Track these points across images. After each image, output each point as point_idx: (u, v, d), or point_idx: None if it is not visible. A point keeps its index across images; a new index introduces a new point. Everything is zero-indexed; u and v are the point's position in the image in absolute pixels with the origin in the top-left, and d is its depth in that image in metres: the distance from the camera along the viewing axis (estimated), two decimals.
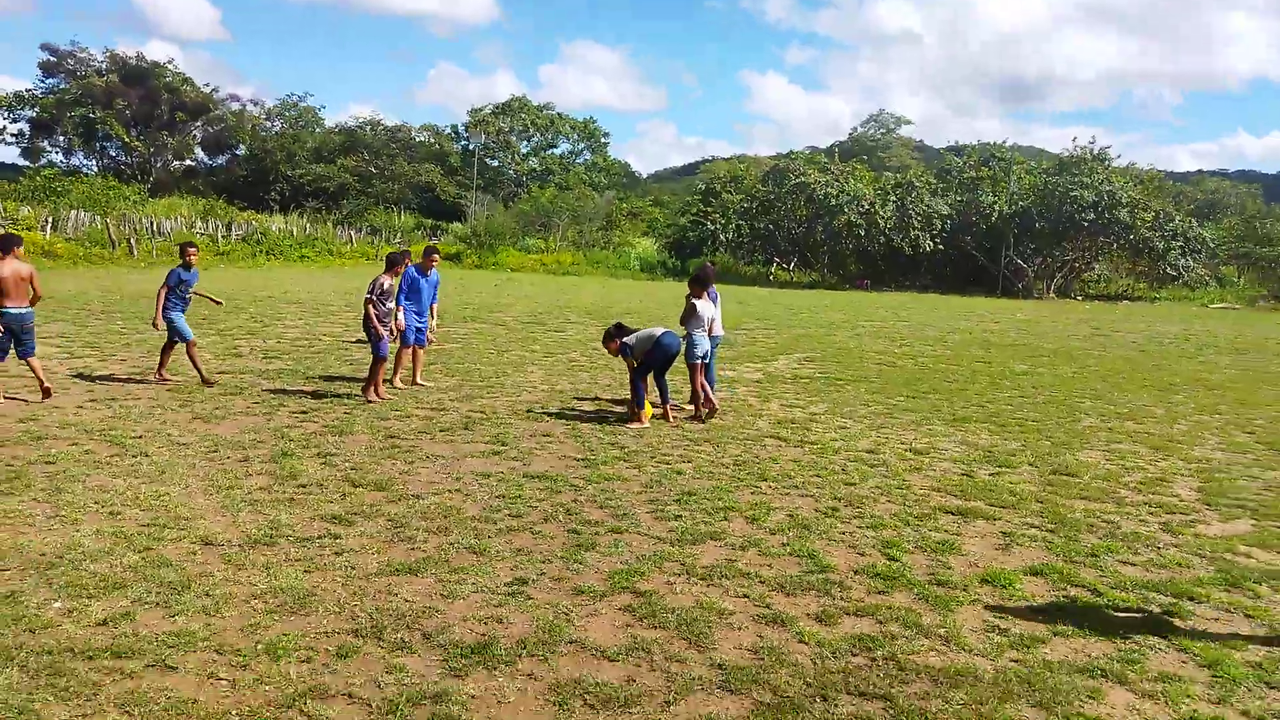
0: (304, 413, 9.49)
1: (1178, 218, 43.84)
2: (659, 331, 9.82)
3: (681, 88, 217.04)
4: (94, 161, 63.95)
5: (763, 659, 4.38)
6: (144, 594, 4.78)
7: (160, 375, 10.89)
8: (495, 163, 72.72)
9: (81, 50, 64.07)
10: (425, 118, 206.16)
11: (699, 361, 9.94)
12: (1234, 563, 6.05)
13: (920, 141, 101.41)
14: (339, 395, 10.49)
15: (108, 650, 4.15)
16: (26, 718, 3.60)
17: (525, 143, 75.10)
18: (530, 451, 8.28)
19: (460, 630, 4.54)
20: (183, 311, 10.87)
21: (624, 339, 9.82)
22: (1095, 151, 46.13)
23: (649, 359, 9.68)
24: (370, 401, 10.00)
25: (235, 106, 69.29)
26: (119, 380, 10.89)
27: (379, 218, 54.12)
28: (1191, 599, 5.37)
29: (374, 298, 10.08)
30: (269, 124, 70.47)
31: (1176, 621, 5.04)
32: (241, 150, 67.65)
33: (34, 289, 9.65)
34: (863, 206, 44.52)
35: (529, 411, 10.12)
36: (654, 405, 9.92)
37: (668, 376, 10.02)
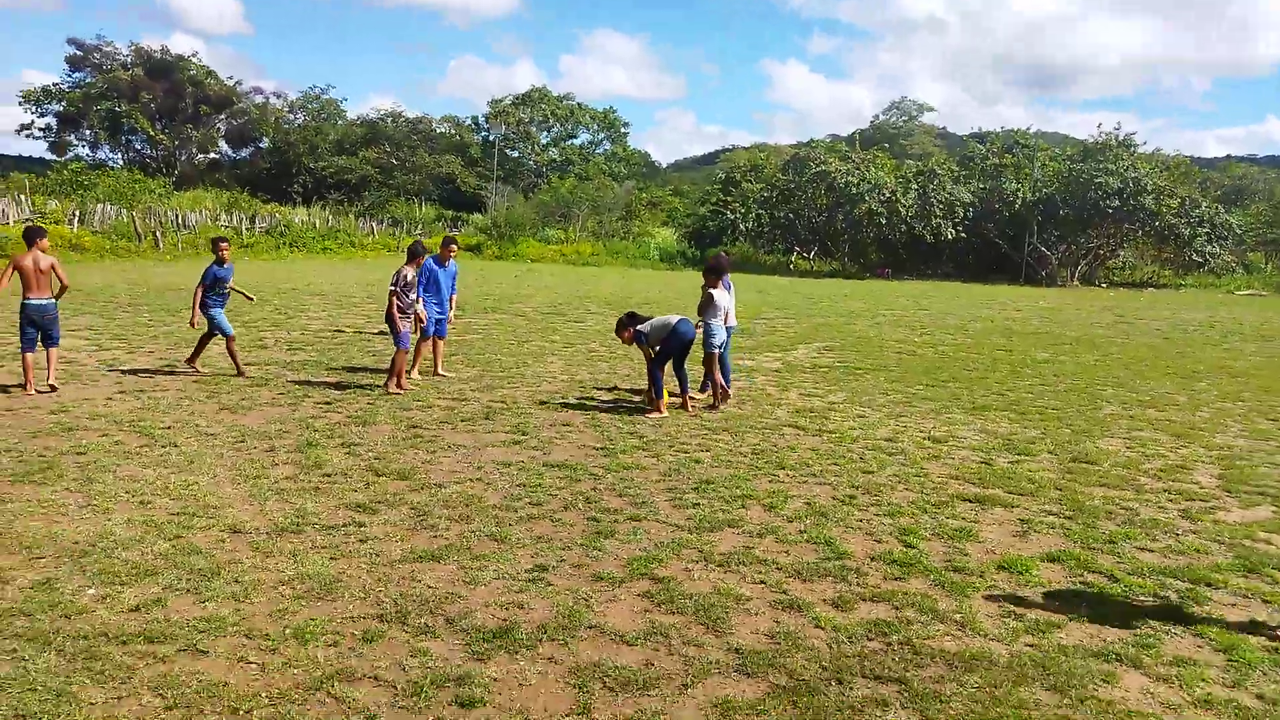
0: (328, 403, 9.63)
1: (1204, 204, 43.25)
2: (675, 319, 9.85)
3: (701, 76, 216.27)
4: (120, 155, 64.80)
5: (779, 643, 4.45)
6: (175, 581, 4.91)
7: (192, 365, 11.08)
8: (515, 153, 72.94)
9: (107, 44, 64.99)
10: (446, 109, 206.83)
11: (716, 351, 9.98)
12: (1253, 549, 6.04)
13: (943, 129, 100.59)
14: (362, 386, 10.63)
15: (141, 635, 4.28)
16: (64, 700, 3.72)
17: (545, 133, 75.24)
18: (550, 441, 8.37)
19: (482, 615, 4.64)
20: (221, 307, 11.01)
21: (638, 326, 9.82)
22: (1120, 138, 45.53)
23: (666, 347, 9.72)
24: (392, 393, 10.12)
25: (258, 99, 70.00)
26: (148, 372, 11.08)
27: (400, 209, 54.46)
28: (1209, 585, 5.38)
29: (398, 289, 10.19)
30: (292, 117, 71.06)
31: (1193, 607, 5.05)
32: (265, 143, 68.29)
33: (60, 280, 9.85)
34: (884, 195, 44.23)
35: (549, 401, 10.22)
36: (672, 395, 9.98)
37: (686, 366, 10.06)
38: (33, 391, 9.51)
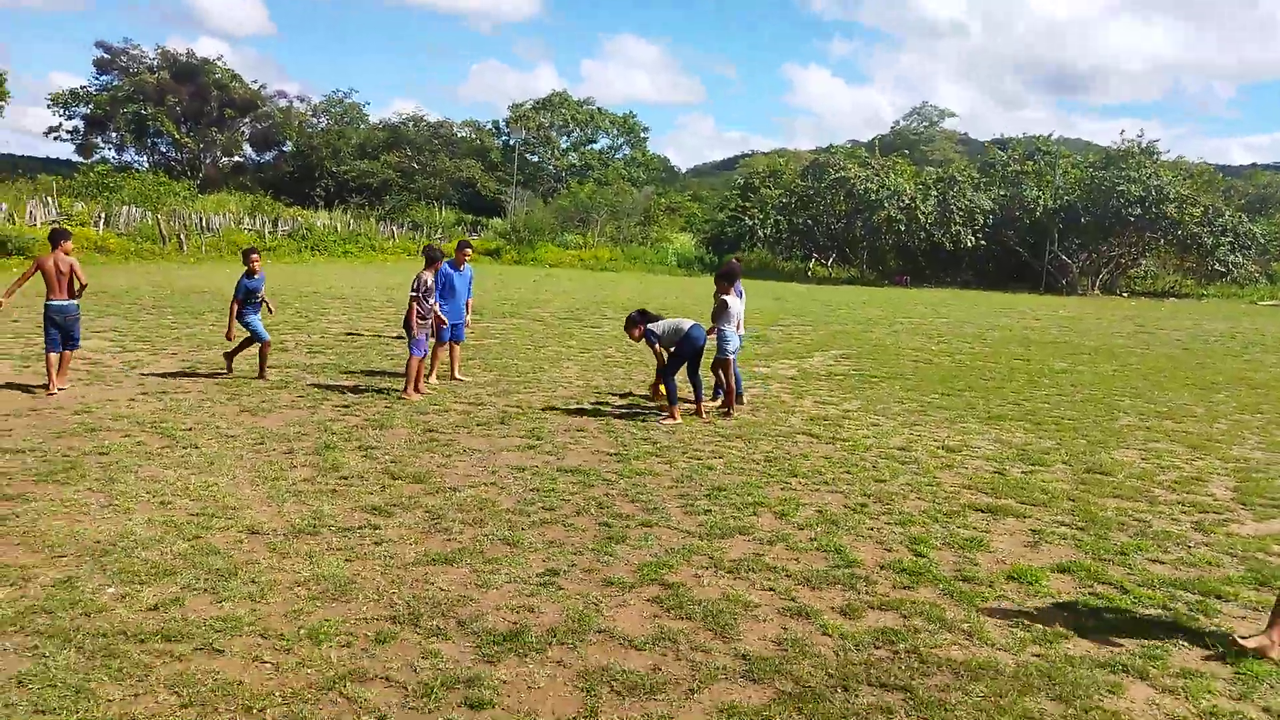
0: (346, 406, 9.75)
1: (1227, 213, 42.85)
2: (687, 325, 9.86)
3: (722, 80, 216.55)
4: (145, 158, 65.59)
5: (786, 650, 4.48)
6: (193, 580, 5.01)
7: (229, 363, 11.27)
8: (535, 158, 73.23)
9: (134, 47, 65.82)
10: (467, 113, 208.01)
11: (730, 357, 10.02)
12: (1265, 562, 6.01)
13: (965, 134, 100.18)
14: (380, 390, 10.74)
15: (158, 634, 4.37)
16: (83, 696, 3.81)
17: (565, 138, 75.50)
18: (564, 446, 8.44)
19: (493, 618, 4.70)
20: (257, 314, 11.14)
21: (649, 326, 9.80)
22: (1143, 145, 45.20)
23: (679, 352, 9.75)
24: (409, 398, 10.21)
25: (282, 103, 70.67)
26: (172, 375, 11.24)
27: (421, 213, 54.78)
28: (1219, 597, 5.37)
29: (418, 295, 10.28)
30: (315, 120, 71.66)
31: (1202, 619, 5.04)
32: (288, 147, 68.87)
33: (78, 279, 10.02)
34: (903, 201, 44.11)
35: (563, 407, 10.29)
36: (686, 401, 10.02)
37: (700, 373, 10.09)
38: (54, 391, 9.69)
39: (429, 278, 10.42)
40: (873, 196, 44.67)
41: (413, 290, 10.31)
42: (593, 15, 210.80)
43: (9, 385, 10.11)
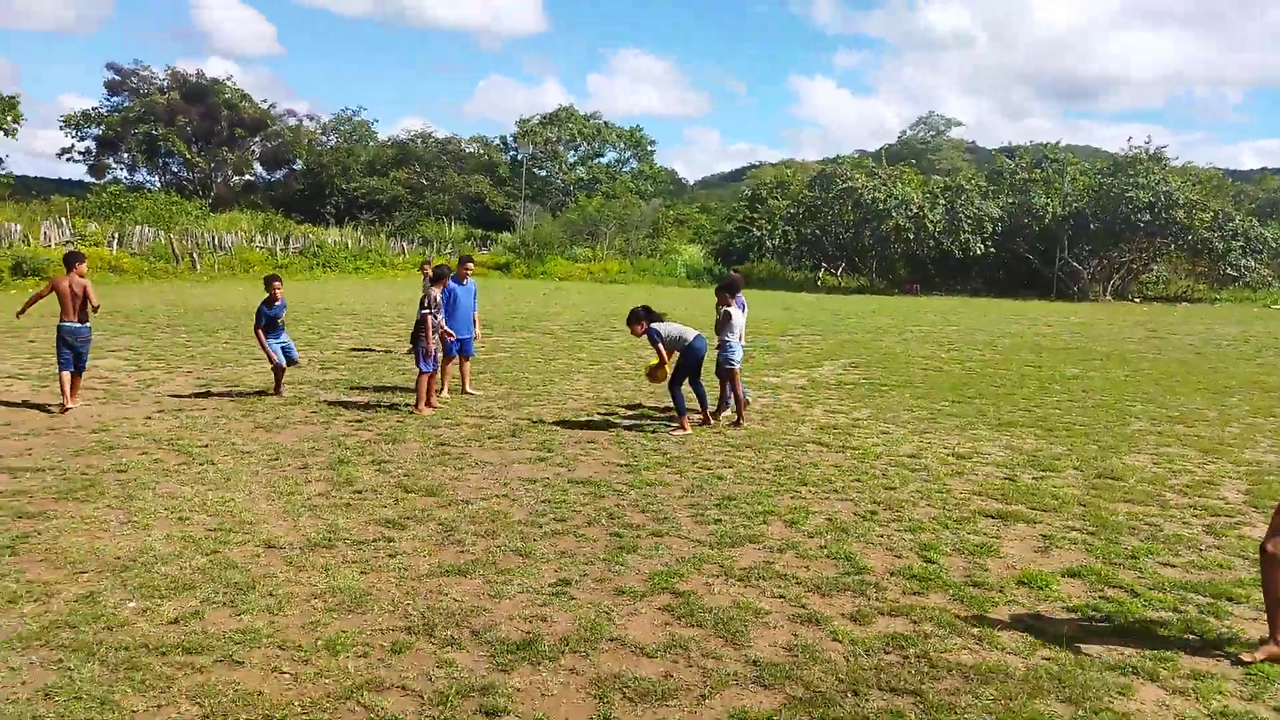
0: (359, 422, 9.84)
1: (1238, 217, 42.68)
2: (690, 335, 9.90)
3: (728, 93, 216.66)
4: (157, 178, 66.18)
5: (796, 656, 4.53)
6: (212, 594, 5.09)
7: (279, 389, 11.22)
8: (543, 172, 73.61)
9: (144, 69, 66.49)
10: (475, 129, 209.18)
11: (735, 368, 10.08)
12: None
13: (972, 143, 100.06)
14: (392, 405, 10.84)
15: (179, 646, 4.45)
16: (108, 707, 3.89)
17: (572, 152, 75.88)
18: (575, 458, 8.51)
19: (507, 628, 4.76)
20: (279, 337, 11.08)
21: (653, 324, 9.80)
22: (1151, 151, 45.14)
23: (682, 362, 9.80)
24: (420, 414, 10.28)
25: (292, 122, 71.27)
26: (193, 396, 11.37)
27: (430, 229, 55.13)
28: (1230, 599, 5.38)
29: (432, 311, 10.37)
30: (324, 138, 72.25)
31: (1213, 621, 5.06)
32: (298, 165, 69.42)
33: (91, 301, 10.17)
34: (911, 210, 44.14)
35: (574, 419, 10.36)
36: (694, 411, 10.07)
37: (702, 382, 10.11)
38: (70, 406, 9.83)
39: (437, 293, 10.53)
40: (880, 206, 44.72)
41: (424, 308, 10.39)
42: (598, 30, 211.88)
43: (27, 404, 10.26)
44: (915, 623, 4.97)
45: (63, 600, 4.95)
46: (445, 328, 10.68)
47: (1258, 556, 5.95)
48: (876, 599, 5.31)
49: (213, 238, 38.73)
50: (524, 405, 11.10)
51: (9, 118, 40.69)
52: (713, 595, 5.29)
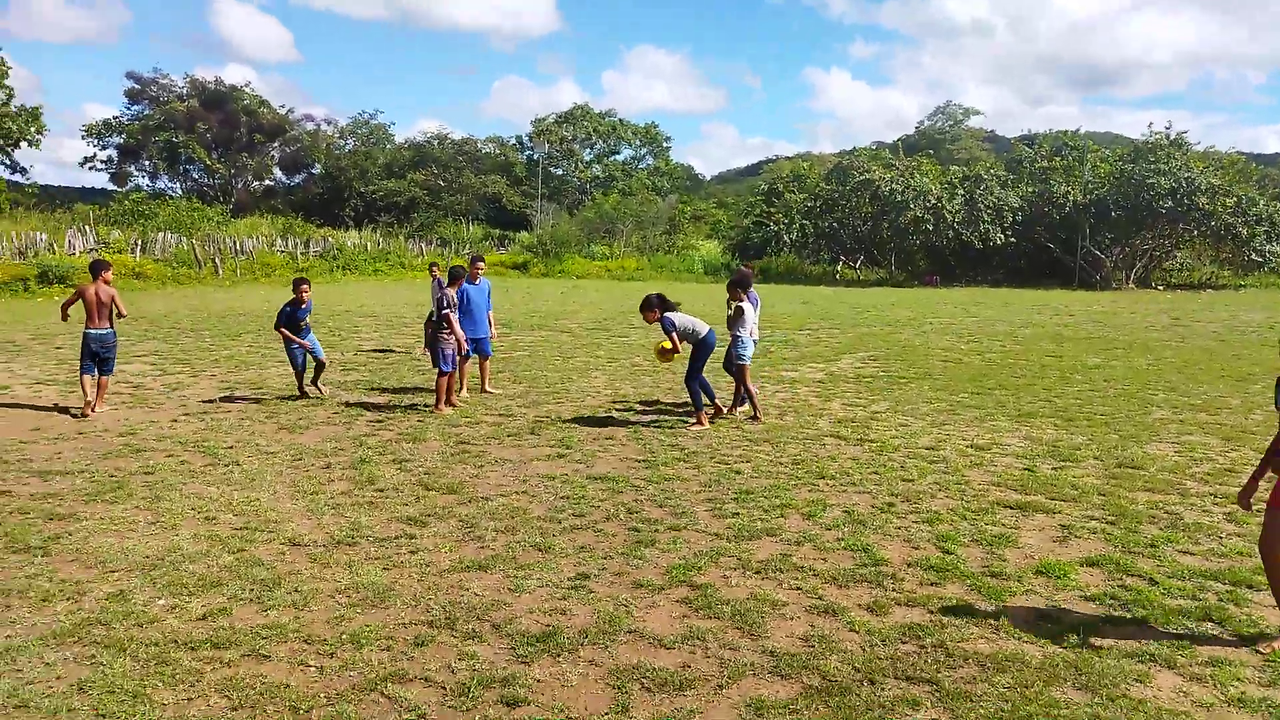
0: (380, 422, 9.96)
1: (1261, 202, 42.10)
2: (704, 329, 9.91)
3: (744, 88, 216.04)
4: (178, 184, 66.97)
5: (813, 646, 4.57)
6: (239, 591, 5.20)
7: (316, 386, 11.34)
8: (559, 171, 73.79)
9: (164, 77, 67.29)
10: (491, 129, 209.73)
11: (748, 363, 10.11)
12: None
13: (991, 132, 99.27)
14: (412, 405, 10.96)
15: (208, 641, 4.55)
16: (139, 701, 4.00)
17: (588, 150, 76.01)
18: (593, 454, 8.58)
19: (526, 621, 4.83)
20: (304, 338, 11.07)
21: (667, 313, 9.80)
22: (1171, 137, 44.62)
23: (696, 355, 9.80)
24: (440, 413, 10.37)
25: (310, 127, 71.88)
26: (219, 400, 11.54)
27: (448, 230, 55.40)
28: (1250, 586, 5.36)
29: (450, 311, 10.45)
30: (342, 142, 72.82)
31: (1232, 609, 5.05)
32: (317, 169, 69.99)
33: (118, 308, 10.36)
34: (929, 201, 43.90)
35: (592, 416, 10.43)
36: (705, 406, 10.10)
37: (708, 376, 10.10)
38: (91, 412, 10.03)
39: (453, 294, 10.61)
40: (898, 197, 44.51)
41: (445, 307, 10.47)
42: (612, 28, 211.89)
43: (55, 408, 10.46)
44: (932, 613, 5.00)
45: (94, 598, 5.07)
46: (454, 319, 10.62)
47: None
48: (894, 590, 5.34)
49: (234, 243, 39.14)
50: (542, 403, 11.19)
51: (32, 128, 41.33)
52: (730, 587, 5.34)
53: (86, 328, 10.23)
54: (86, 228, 36.55)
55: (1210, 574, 5.59)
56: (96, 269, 10.52)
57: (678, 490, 7.37)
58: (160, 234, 37.20)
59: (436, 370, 10.53)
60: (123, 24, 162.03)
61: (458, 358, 10.72)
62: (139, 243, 35.55)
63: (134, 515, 6.57)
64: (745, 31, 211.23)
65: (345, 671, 4.27)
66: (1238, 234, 41.37)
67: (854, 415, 10.64)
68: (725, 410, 10.28)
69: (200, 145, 64.07)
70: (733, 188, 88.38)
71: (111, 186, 64.89)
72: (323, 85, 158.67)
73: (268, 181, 71.23)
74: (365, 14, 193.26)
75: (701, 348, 9.84)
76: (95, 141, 66.46)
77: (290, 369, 11.38)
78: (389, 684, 4.15)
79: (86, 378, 10.18)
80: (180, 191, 63.05)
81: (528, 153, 74.81)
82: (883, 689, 4.15)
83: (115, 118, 67.23)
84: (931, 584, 5.45)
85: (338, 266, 40.85)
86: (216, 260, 35.54)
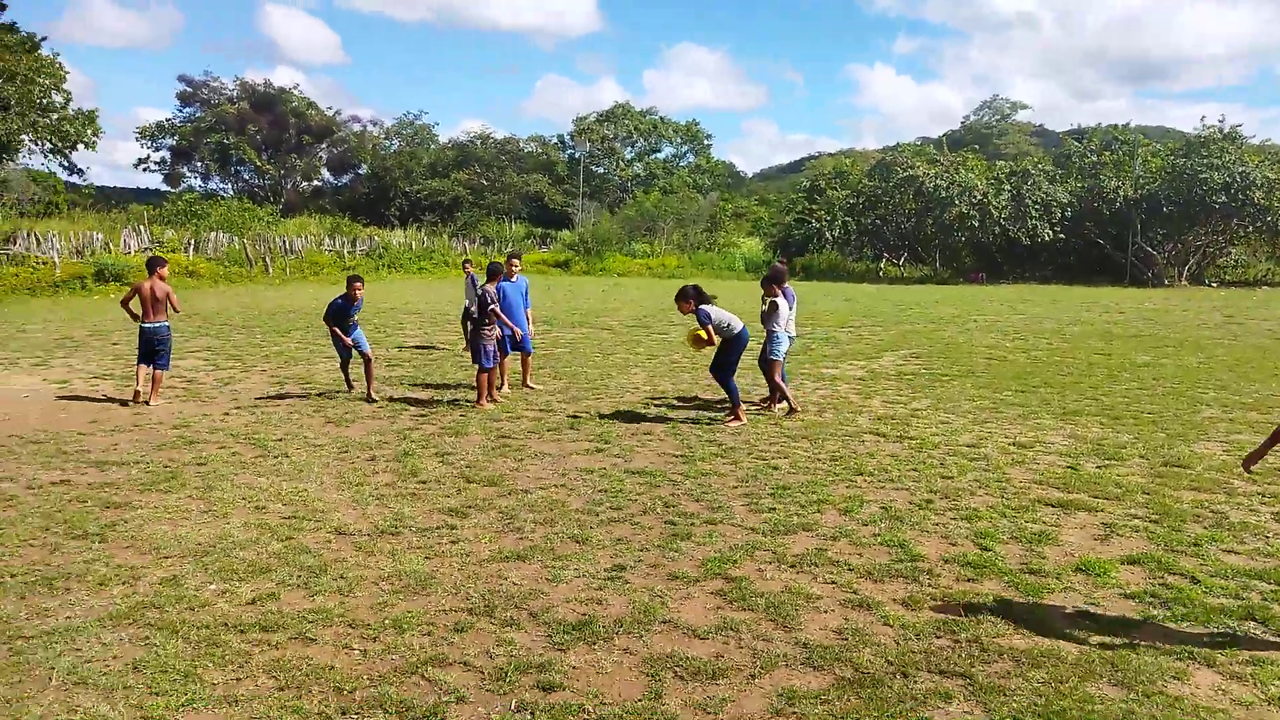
0: (423, 416, 10.15)
1: None
2: (738, 325, 9.90)
3: (786, 84, 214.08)
4: (229, 185, 68.36)
5: (846, 639, 4.60)
6: (287, 577, 5.37)
7: (370, 396, 11.13)
8: (600, 170, 74.03)
9: (214, 80, 68.71)
10: (532, 129, 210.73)
11: (780, 359, 10.12)
12: None
13: (1040, 126, 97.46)
14: (455, 401, 11.13)
15: (256, 625, 4.72)
16: (190, 680, 4.16)
17: (629, 148, 76.13)
18: (631, 449, 8.65)
19: (563, 610, 4.93)
20: (351, 334, 11.12)
21: (703, 305, 9.77)
22: (1225, 130, 43.44)
23: (732, 350, 9.80)
24: (482, 408, 10.51)
25: (356, 128, 72.93)
26: (272, 397, 11.83)
27: (491, 228, 55.89)
28: None
29: (495, 306, 10.58)
30: (388, 143, 73.80)
31: (1276, 608, 4.97)
32: (363, 169, 71.03)
33: (173, 305, 10.75)
34: (975, 197, 43.28)
35: (631, 411, 10.51)
36: (723, 403, 10.10)
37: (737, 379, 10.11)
38: (142, 401, 10.48)
39: (493, 290, 10.73)
40: (943, 194, 43.92)
41: (490, 302, 10.57)
42: (653, 26, 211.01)
43: (110, 399, 10.81)
44: (967, 608, 4.99)
45: (148, 583, 5.27)
46: (500, 311, 10.76)
47: None
48: (929, 585, 5.34)
49: (284, 242, 39.88)
50: (582, 399, 11.30)
51: (89, 131, 42.43)
52: (765, 581, 5.38)
53: (142, 322, 10.60)
54: (141, 227, 37.49)
55: (1255, 573, 5.50)
56: (152, 265, 10.88)
57: (714, 485, 7.42)
58: (213, 233, 38.02)
59: (477, 366, 10.68)
60: (175, 29, 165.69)
61: (498, 354, 10.87)
62: (192, 242, 36.38)
63: (187, 504, 6.80)
64: (786, 28, 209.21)
65: (388, 655, 4.40)
66: None
67: (894, 412, 10.59)
68: (765, 406, 10.30)
69: (250, 147, 65.38)
70: (774, 185, 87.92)
71: (165, 187, 66.51)
72: (369, 87, 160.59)
73: (316, 182, 72.45)
74: (410, 16, 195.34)
75: (735, 344, 9.86)
76: (149, 143, 68.13)
77: (337, 364, 11.61)
78: (429, 667, 4.27)
79: (141, 367, 10.59)
80: (231, 192, 64.39)
81: (569, 151, 75.15)
82: (915, 682, 4.17)
83: (168, 120, 68.89)
84: (968, 580, 5.44)
85: (383, 265, 41.43)
86: (267, 259, 36.26)
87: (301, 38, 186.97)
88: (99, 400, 10.92)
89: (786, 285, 10.58)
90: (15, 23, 41.21)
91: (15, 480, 7.39)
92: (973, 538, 6.18)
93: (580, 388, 12.11)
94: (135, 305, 10.81)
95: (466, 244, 50.68)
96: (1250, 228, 41.84)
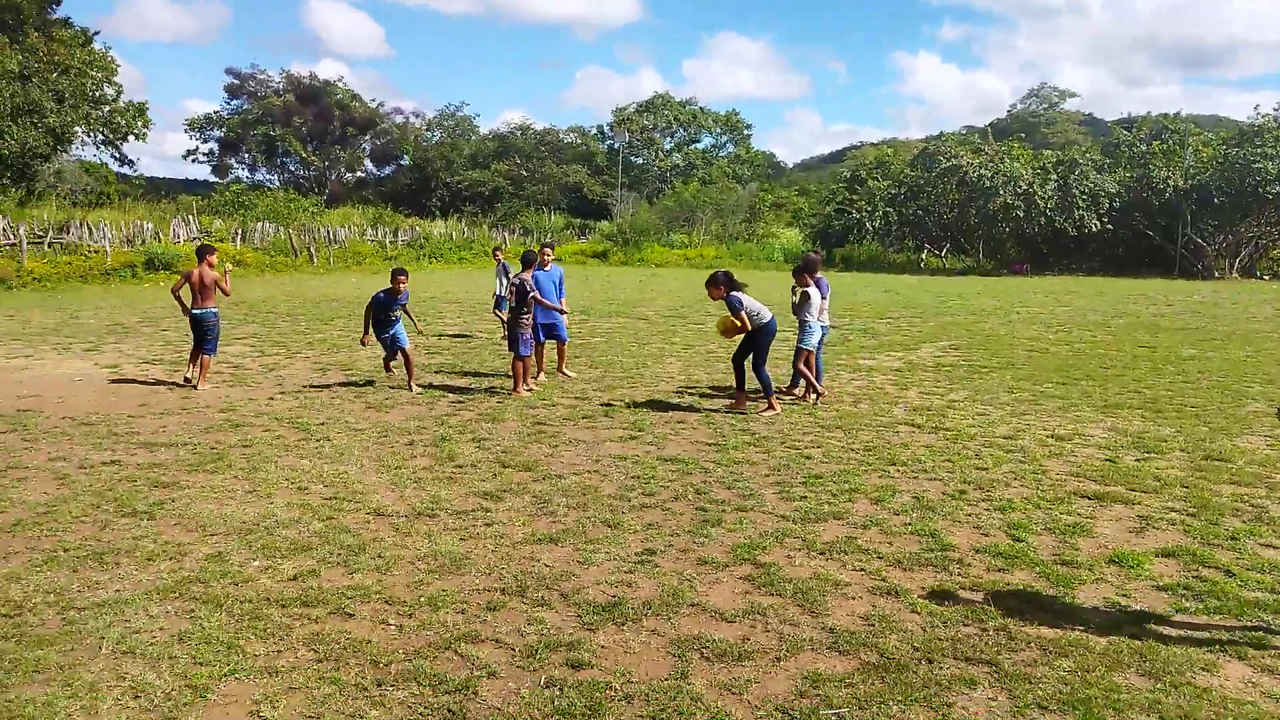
0: (461, 403, 10.31)
1: None
2: (767, 315, 9.85)
3: (828, 73, 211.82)
4: (275, 176, 69.54)
5: (873, 625, 4.63)
6: (327, 555, 5.53)
7: (411, 386, 11.08)
8: (639, 160, 74.01)
9: (261, 73, 69.88)
10: (572, 119, 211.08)
11: (809, 349, 10.11)
12: None
13: (1089, 115, 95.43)
14: (492, 388, 11.29)
15: (297, 600, 4.87)
16: (233, 651, 4.31)
17: (669, 139, 76.01)
18: (665, 437, 8.72)
19: (593, 592, 5.02)
20: (388, 331, 11.10)
21: (734, 292, 9.71)
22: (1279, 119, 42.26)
23: (762, 339, 9.78)
24: (518, 396, 10.64)
25: (399, 120, 73.79)
26: (319, 386, 12.09)
27: (530, 219, 56.24)
28: None
29: (535, 294, 10.69)
30: (429, 134, 74.49)
31: None
32: (405, 160, 71.82)
33: (223, 290, 11.12)
34: (1020, 187, 42.59)
35: (665, 400, 10.57)
36: (729, 392, 10.11)
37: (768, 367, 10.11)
38: (191, 383, 10.93)
39: (528, 278, 10.82)
40: (987, 183, 43.31)
41: (531, 291, 10.66)
42: (693, 16, 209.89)
43: (160, 383, 11.13)
44: (997, 597, 4.99)
45: (194, 559, 5.46)
46: (541, 298, 10.86)
47: None
48: (959, 574, 5.34)
49: (327, 232, 40.49)
50: (617, 387, 11.38)
51: (139, 123, 43.42)
52: (794, 567, 5.43)
53: (192, 308, 10.90)
54: (190, 217, 38.31)
55: None
56: (202, 253, 11.18)
57: (746, 473, 7.46)
58: (259, 223, 38.74)
59: (514, 354, 10.81)
60: (222, 23, 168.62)
61: (534, 343, 10.98)
62: (239, 232, 37.11)
63: (232, 484, 7.01)
64: (829, 16, 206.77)
65: (422, 631, 4.52)
66: None
67: (930, 404, 10.54)
68: (801, 396, 10.33)
69: (296, 138, 66.42)
70: (815, 175, 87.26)
71: (213, 178, 67.79)
72: (412, 79, 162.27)
73: (359, 173, 73.46)
74: (454, 9, 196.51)
75: (763, 333, 9.83)
76: (197, 135, 69.56)
77: (380, 350, 11.78)
78: (462, 643, 4.38)
79: (205, 356, 11.05)
80: (278, 183, 65.50)
81: (608, 142, 75.24)
82: (941, 668, 4.19)
83: (216, 112, 70.26)
84: (999, 570, 5.43)
85: (424, 255, 41.93)
86: (311, 249, 36.86)
87: (346, 31, 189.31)
88: (149, 384, 11.24)
89: (820, 275, 10.56)
90: (70, 18, 42.29)
91: (68, 460, 7.67)
92: (1005, 528, 6.16)
93: (615, 376, 12.20)
94: (185, 293, 11.09)
95: (506, 234, 51.03)
96: None
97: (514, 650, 4.33)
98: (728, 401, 10.28)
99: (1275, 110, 43.19)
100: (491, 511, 6.40)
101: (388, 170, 74.18)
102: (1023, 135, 58.24)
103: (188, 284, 10.98)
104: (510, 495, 6.80)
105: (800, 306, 10.24)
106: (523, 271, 10.95)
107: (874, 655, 4.31)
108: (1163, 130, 45.39)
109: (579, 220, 60.00)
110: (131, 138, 43.99)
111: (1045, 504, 6.74)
